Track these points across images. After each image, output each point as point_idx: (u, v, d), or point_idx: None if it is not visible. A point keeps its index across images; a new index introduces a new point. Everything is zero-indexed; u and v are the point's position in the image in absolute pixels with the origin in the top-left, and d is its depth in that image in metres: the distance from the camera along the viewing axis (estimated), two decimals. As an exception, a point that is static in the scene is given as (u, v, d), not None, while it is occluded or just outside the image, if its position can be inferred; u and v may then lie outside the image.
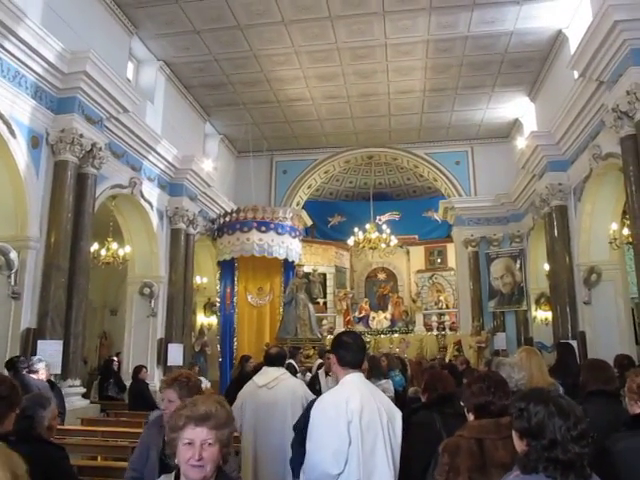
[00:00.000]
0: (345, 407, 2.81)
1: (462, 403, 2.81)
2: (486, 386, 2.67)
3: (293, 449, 3.64)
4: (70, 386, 8.24)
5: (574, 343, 9.54)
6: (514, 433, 2.01)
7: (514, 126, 15.20)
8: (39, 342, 7.64)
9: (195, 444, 1.94)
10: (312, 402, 3.70)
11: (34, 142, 8.00)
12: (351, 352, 3.04)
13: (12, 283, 7.57)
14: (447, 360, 13.38)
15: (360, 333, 17.99)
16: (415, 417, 3.68)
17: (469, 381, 2.84)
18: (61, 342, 7.96)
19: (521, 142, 13.27)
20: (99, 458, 6.19)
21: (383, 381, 6.39)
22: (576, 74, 9.48)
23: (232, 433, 2.03)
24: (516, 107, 14.20)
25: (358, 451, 2.77)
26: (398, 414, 3.05)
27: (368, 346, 16.62)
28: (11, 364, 6.55)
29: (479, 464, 2.40)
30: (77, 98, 8.50)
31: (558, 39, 11.09)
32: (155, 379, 11.13)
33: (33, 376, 6.47)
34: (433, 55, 11.77)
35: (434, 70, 12.42)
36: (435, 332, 18.09)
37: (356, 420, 2.79)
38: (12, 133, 7.52)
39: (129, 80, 11.19)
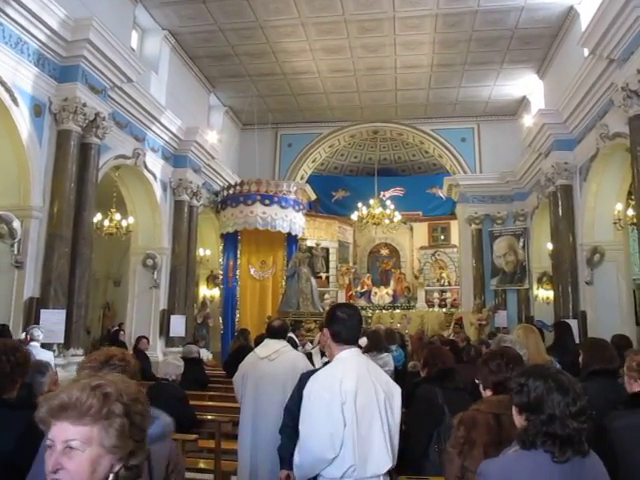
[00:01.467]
0: (339, 388, 2.64)
1: (477, 380, 2.79)
2: (505, 363, 2.66)
3: (284, 435, 3.32)
4: (73, 355, 8.31)
5: (574, 323, 9.58)
6: (514, 408, 2.02)
7: (521, 104, 15.03)
8: (42, 311, 7.69)
9: (54, 447, 1.29)
10: (304, 379, 3.53)
11: (37, 110, 7.95)
12: (346, 327, 2.84)
13: (15, 252, 7.60)
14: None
15: (362, 308, 18.15)
16: (418, 391, 3.71)
17: (486, 358, 2.81)
18: (64, 311, 8.00)
19: (528, 120, 13.14)
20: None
21: (384, 354, 6.44)
22: (586, 52, 9.34)
23: (132, 432, 1.34)
24: (524, 84, 14.02)
25: (353, 434, 2.62)
26: (397, 391, 2.88)
27: (369, 321, 16.76)
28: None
29: (496, 439, 2.40)
30: (80, 67, 8.40)
31: (569, 15, 10.89)
32: (157, 350, 11.24)
33: (35, 344, 6.55)
34: (441, 30, 11.59)
35: (442, 45, 12.24)
36: (443, 309, 18.13)
37: (350, 401, 2.63)
38: (14, 101, 7.47)
39: (133, 49, 11.07)
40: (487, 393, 2.68)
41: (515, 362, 2.67)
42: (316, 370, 3.68)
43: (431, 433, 3.05)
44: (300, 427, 2.73)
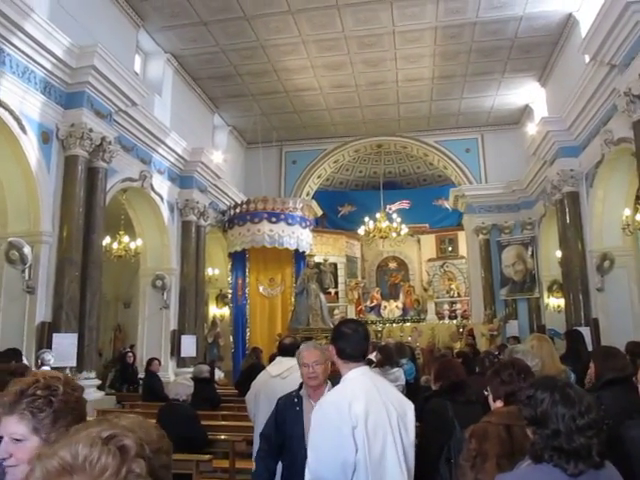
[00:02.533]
0: (348, 411, 2.51)
1: (486, 392, 2.78)
2: (516, 372, 2.66)
3: (259, 460, 3.40)
4: (85, 378, 8.33)
5: (587, 330, 9.51)
6: (524, 421, 2.01)
7: (524, 112, 15.06)
8: (54, 335, 7.73)
9: None
10: (280, 404, 3.54)
11: (44, 137, 8.05)
12: (351, 343, 2.71)
13: (26, 277, 7.66)
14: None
15: (372, 322, 18.09)
16: (428, 405, 3.69)
17: (497, 368, 2.80)
18: (76, 335, 8.04)
19: (532, 128, 13.16)
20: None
21: (395, 369, 6.40)
22: (587, 58, 9.37)
23: None
24: (526, 93, 14.06)
25: (365, 459, 2.50)
26: (410, 408, 2.77)
27: (379, 335, 16.69)
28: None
29: (508, 451, 2.38)
30: (86, 92, 8.53)
31: (568, 23, 10.95)
32: (169, 371, 11.24)
33: (46, 368, 6.60)
34: (441, 42, 11.67)
35: (443, 57, 12.32)
36: (454, 321, 18.01)
37: (361, 425, 2.51)
38: (22, 129, 7.58)
39: (137, 73, 11.20)
40: (497, 404, 2.66)
41: (526, 373, 2.66)
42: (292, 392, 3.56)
43: (441, 447, 3.03)
44: (309, 454, 2.60)
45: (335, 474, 2.47)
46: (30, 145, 7.73)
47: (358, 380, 2.67)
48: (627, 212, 9.66)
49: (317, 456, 2.53)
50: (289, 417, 3.26)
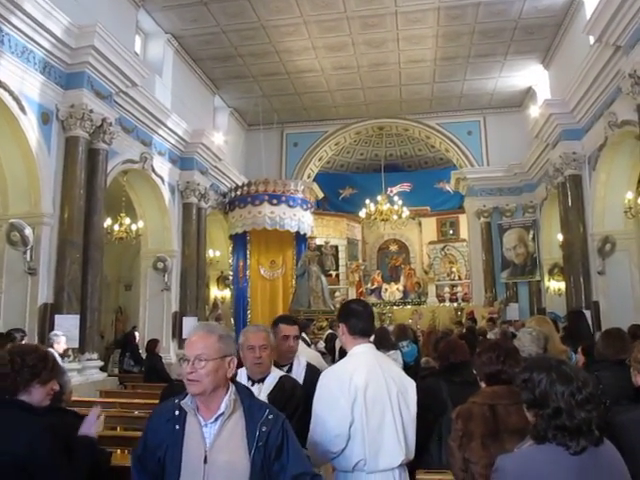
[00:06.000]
0: (348, 384, 2.69)
1: (474, 371, 2.84)
2: (496, 355, 2.71)
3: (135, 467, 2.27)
4: (88, 359, 8.38)
5: (587, 313, 9.53)
6: (523, 405, 2.03)
7: (527, 95, 14.95)
8: (56, 317, 7.76)
9: None
10: (154, 415, 2.43)
11: (44, 118, 8.01)
12: (362, 320, 2.89)
13: (28, 259, 7.67)
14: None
15: (373, 304, 18.10)
16: (421, 383, 3.72)
17: (480, 351, 2.87)
18: (78, 316, 8.08)
19: (534, 111, 13.08)
20: (118, 428, 6.32)
21: (391, 352, 6.39)
22: (592, 39, 9.27)
23: None
24: (529, 75, 13.95)
25: (362, 429, 2.66)
26: (411, 385, 2.90)
27: (383, 317, 16.79)
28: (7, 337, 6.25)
29: (492, 430, 2.45)
30: (86, 73, 8.46)
31: (573, 3, 10.81)
32: (171, 352, 11.30)
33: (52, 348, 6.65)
34: (444, 23, 11.54)
35: (445, 38, 12.20)
36: (454, 304, 18.01)
37: (360, 397, 2.68)
38: (22, 109, 7.53)
39: (137, 54, 11.10)
40: (483, 384, 2.74)
41: (507, 355, 2.71)
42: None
43: (431, 426, 3.07)
44: (311, 422, 2.78)
45: (329, 441, 2.67)
46: (30, 126, 7.69)
47: (362, 355, 2.85)
48: (629, 195, 9.63)
49: (316, 423, 2.73)
50: (159, 437, 2.21)
